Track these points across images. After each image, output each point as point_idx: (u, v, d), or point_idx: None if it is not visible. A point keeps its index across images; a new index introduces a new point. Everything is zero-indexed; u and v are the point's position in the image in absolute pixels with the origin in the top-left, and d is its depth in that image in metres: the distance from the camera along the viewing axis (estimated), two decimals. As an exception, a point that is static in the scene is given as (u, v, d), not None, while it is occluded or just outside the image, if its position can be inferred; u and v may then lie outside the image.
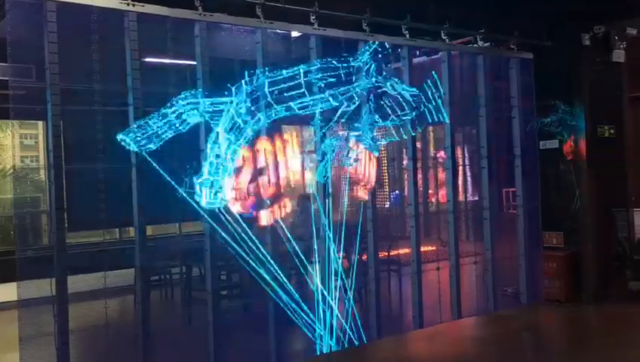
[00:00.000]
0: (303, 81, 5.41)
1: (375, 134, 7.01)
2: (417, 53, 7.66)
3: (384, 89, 7.04)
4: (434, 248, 9.51)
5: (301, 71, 5.50)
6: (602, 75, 8.33)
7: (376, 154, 7.17)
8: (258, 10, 5.89)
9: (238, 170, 4.90)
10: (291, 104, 5.35)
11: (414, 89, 7.25)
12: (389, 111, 7.06)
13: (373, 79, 6.06)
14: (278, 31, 6.16)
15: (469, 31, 7.80)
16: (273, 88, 5.39)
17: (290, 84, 5.41)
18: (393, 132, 7.16)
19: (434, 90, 7.34)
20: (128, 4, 5.22)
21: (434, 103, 7.30)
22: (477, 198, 8.66)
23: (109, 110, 5.33)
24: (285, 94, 5.33)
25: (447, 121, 7.53)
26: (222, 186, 4.75)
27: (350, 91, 5.73)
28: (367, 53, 6.10)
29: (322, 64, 5.77)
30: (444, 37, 7.42)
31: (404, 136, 7.27)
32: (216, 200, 4.76)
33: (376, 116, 6.94)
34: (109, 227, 6.90)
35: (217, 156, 4.80)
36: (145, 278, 5.45)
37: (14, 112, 5.10)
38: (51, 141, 4.94)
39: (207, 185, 4.77)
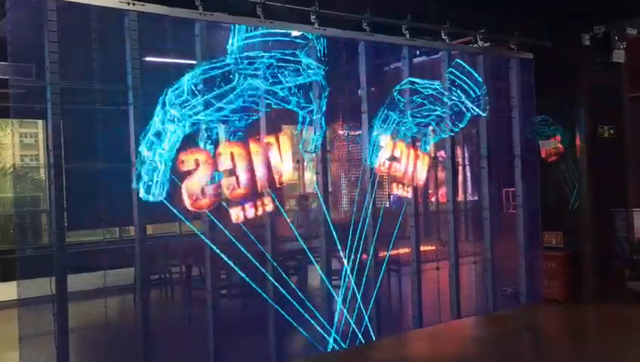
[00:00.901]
0: (185, 88, 5.23)
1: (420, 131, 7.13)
2: (417, 53, 7.66)
3: (403, 87, 7.04)
4: (433, 248, 9.51)
5: (185, 79, 5.29)
6: (602, 75, 8.33)
7: (425, 150, 7.32)
8: (258, 10, 5.89)
9: (187, 173, 5.11)
10: (186, 111, 5.24)
11: (436, 83, 7.22)
12: (408, 109, 7.04)
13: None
14: (278, 30, 6.17)
15: (469, 31, 7.80)
16: (171, 96, 5.27)
17: (179, 90, 5.29)
18: (437, 129, 7.18)
19: (469, 82, 7.37)
20: (129, 4, 5.21)
21: (458, 96, 7.29)
22: (477, 198, 8.66)
23: (109, 109, 5.33)
24: (178, 101, 5.25)
25: (483, 114, 7.51)
26: (156, 184, 5.02)
27: (229, 93, 5.51)
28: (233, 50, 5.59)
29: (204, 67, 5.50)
30: (444, 37, 7.42)
31: (444, 135, 7.30)
32: (147, 196, 5.03)
33: (392, 113, 6.93)
34: (108, 226, 6.91)
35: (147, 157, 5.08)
36: (145, 277, 5.46)
37: (14, 111, 5.10)
38: (51, 140, 4.94)
39: (140, 181, 5.06)
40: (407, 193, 7.33)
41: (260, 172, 5.64)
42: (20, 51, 4.87)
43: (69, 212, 5.22)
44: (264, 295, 5.95)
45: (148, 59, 5.63)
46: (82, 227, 8.03)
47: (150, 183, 5.04)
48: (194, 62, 5.59)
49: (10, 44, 4.77)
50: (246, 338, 6.17)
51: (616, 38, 8.21)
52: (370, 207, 6.84)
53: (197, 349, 5.74)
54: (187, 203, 5.18)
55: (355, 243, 6.70)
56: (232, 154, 5.39)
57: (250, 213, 5.59)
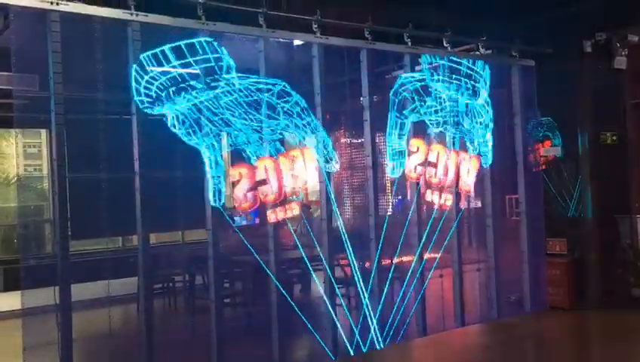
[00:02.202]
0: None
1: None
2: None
3: (403, 85, 7.01)
4: (437, 255, 9.48)
5: None
6: (604, 81, 8.34)
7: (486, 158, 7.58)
8: (261, 19, 5.92)
9: (234, 183, 5.85)
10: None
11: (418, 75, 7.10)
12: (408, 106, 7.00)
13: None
14: (281, 40, 6.20)
15: (470, 39, 7.82)
16: None
17: None
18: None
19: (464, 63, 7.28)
20: (132, 14, 5.24)
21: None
22: (480, 205, 8.65)
23: (112, 119, 5.36)
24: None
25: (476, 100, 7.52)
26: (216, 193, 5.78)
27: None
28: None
29: None
30: (445, 45, 7.43)
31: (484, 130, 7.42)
32: (216, 203, 5.74)
33: (395, 113, 6.89)
34: (112, 235, 6.92)
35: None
36: (148, 287, 5.46)
37: (18, 121, 5.12)
38: (55, 150, 4.96)
39: (212, 191, 5.75)
40: (447, 201, 7.23)
41: (288, 181, 6.14)
42: (23, 62, 4.89)
43: (73, 221, 5.24)
44: (285, 296, 6.07)
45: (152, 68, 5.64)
46: (86, 236, 8.03)
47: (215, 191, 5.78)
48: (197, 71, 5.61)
49: (13, 54, 4.79)
50: (250, 347, 6.15)
51: (618, 44, 8.23)
52: (374, 214, 6.84)
53: (201, 358, 5.74)
54: (235, 205, 5.89)
55: (360, 251, 6.70)
56: (265, 168, 6.01)
57: (281, 215, 6.13)
